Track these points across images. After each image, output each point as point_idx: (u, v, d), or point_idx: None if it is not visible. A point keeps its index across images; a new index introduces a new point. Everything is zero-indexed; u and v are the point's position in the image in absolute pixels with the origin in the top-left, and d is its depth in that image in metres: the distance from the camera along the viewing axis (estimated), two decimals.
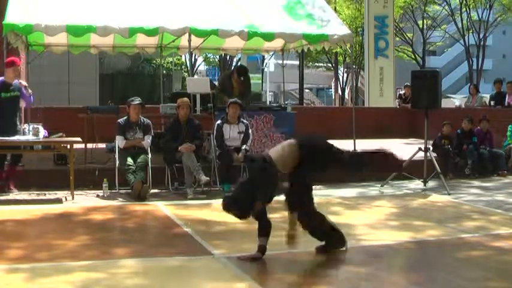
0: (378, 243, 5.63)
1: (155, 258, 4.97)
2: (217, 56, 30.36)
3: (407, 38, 30.90)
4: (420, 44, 32.04)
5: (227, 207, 4.66)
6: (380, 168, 4.97)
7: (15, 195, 7.74)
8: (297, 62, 26.53)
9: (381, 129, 14.65)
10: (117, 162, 8.14)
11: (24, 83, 8.01)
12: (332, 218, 6.66)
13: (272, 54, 14.38)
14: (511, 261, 5.13)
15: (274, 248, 5.31)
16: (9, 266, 4.61)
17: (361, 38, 25.84)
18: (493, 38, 41.65)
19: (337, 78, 33.09)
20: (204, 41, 10.82)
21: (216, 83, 11.35)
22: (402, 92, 17.29)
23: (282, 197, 4.87)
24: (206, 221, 6.45)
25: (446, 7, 30.12)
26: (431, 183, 9.04)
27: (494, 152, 10.63)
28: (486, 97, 14.79)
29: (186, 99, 8.53)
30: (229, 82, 9.99)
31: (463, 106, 15.91)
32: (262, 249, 4.78)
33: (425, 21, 31.34)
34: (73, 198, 7.50)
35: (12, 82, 7.91)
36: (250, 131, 8.70)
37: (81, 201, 7.47)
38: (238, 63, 23.46)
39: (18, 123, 8.08)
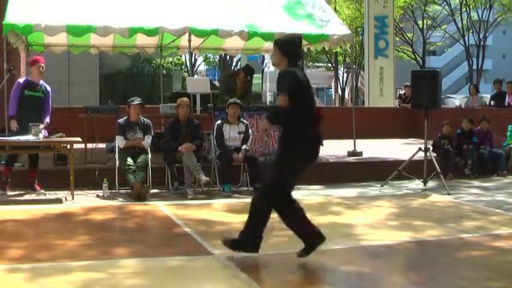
0: (378, 243, 5.63)
1: (155, 258, 4.97)
2: (217, 56, 30.37)
3: (407, 38, 30.89)
4: (420, 44, 32.03)
5: None
6: None
7: (15, 195, 7.75)
8: None
9: (381, 129, 14.68)
10: (117, 162, 8.13)
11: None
12: (332, 218, 6.71)
13: (272, 54, 14.35)
14: (511, 261, 5.13)
15: (274, 248, 5.31)
16: (10, 266, 4.61)
17: (361, 38, 25.83)
18: (493, 38, 41.68)
19: (337, 78, 33.07)
20: (204, 41, 10.84)
21: (216, 83, 11.34)
22: (402, 92, 17.31)
23: None
24: (206, 221, 6.45)
25: (446, 7, 30.12)
26: (431, 183, 9.04)
27: (494, 152, 10.62)
28: (486, 97, 14.80)
29: (185, 99, 8.52)
30: (233, 82, 9.97)
31: (463, 106, 15.91)
32: None
33: (425, 21, 31.33)
34: (73, 198, 7.49)
35: (37, 82, 7.91)
36: (250, 131, 8.69)
37: (81, 201, 7.46)
38: (239, 63, 23.47)
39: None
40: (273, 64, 5.05)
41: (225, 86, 10.08)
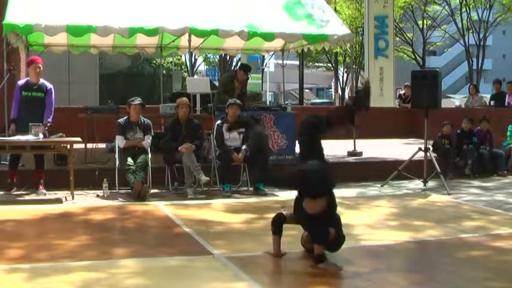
0: (378, 243, 5.63)
1: (155, 258, 4.97)
2: (217, 56, 30.39)
3: (407, 38, 30.93)
4: (420, 44, 32.06)
5: None
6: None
7: (15, 195, 7.75)
8: (297, 62, 26.53)
9: (381, 129, 14.67)
10: (117, 162, 8.13)
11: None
12: None
13: (272, 54, 14.42)
14: (511, 261, 5.13)
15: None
16: (9, 266, 4.61)
17: (361, 38, 25.84)
18: (493, 38, 41.74)
19: (337, 78, 33.11)
20: (204, 41, 10.84)
21: (216, 83, 11.32)
22: (402, 92, 17.31)
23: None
24: (206, 221, 6.45)
25: (446, 7, 30.17)
26: (431, 183, 9.04)
27: (494, 152, 10.62)
28: (486, 97, 14.80)
29: (185, 98, 8.52)
30: (231, 83, 9.97)
31: (463, 106, 15.92)
32: None
33: (425, 21, 31.38)
34: (73, 198, 7.49)
35: (36, 82, 7.87)
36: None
37: (81, 201, 7.46)
38: (239, 63, 23.46)
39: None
40: None
41: (225, 86, 10.06)
